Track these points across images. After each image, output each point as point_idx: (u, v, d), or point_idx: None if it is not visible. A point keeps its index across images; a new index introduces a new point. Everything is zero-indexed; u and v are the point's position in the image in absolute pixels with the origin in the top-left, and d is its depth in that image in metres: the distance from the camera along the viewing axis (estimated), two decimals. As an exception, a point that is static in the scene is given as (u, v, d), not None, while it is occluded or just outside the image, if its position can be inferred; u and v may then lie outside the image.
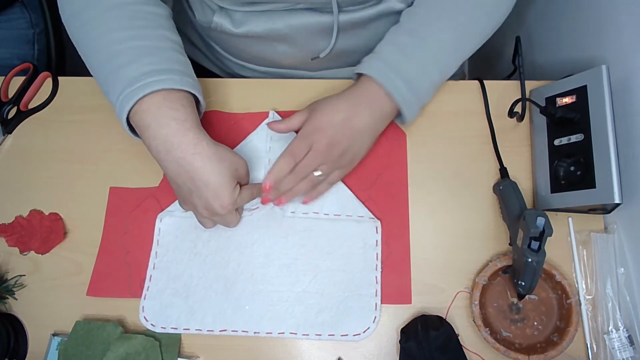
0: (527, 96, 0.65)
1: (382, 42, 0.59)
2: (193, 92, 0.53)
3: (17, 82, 0.69)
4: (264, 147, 0.64)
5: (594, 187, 0.53)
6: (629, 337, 0.54)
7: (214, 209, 0.52)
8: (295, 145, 0.55)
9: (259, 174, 0.63)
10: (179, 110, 0.50)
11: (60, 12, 0.55)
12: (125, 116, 0.51)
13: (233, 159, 0.53)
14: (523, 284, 0.52)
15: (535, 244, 0.51)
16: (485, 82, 0.66)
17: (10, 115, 0.67)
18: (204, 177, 0.50)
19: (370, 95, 0.56)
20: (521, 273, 0.52)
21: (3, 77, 0.69)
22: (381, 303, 0.57)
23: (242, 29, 0.63)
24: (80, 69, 0.68)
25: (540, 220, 0.51)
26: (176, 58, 0.54)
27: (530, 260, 0.51)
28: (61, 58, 0.97)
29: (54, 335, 0.57)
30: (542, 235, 0.51)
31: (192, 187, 0.51)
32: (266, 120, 0.65)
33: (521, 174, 0.62)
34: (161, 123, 0.49)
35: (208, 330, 0.57)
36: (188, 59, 0.57)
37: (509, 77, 0.72)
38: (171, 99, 0.50)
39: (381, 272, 0.59)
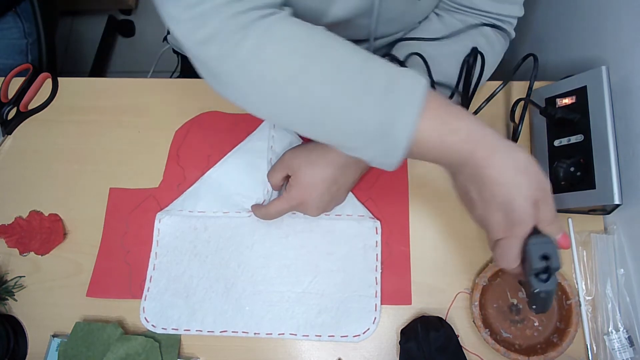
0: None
1: None
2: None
3: (17, 82, 0.69)
4: (265, 146, 0.64)
5: (594, 187, 0.53)
6: (629, 338, 0.54)
7: None
8: (280, 209, 0.56)
9: (261, 173, 0.62)
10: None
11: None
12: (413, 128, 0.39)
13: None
14: (535, 307, 0.44)
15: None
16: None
17: (10, 116, 0.67)
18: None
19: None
20: (531, 300, 0.44)
21: (3, 78, 0.69)
22: (381, 304, 0.57)
23: None
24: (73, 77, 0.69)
25: (546, 253, 0.40)
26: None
27: (538, 291, 0.41)
28: (53, 68, 0.95)
29: (53, 336, 0.57)
30: (548, 269, 0.41)
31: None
32: (266, 120, 0.65)
33: (521, 175, 0.62)
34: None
35: (209, 331, 0.57)
36: None
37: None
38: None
39: (381, 273, 0.59)
